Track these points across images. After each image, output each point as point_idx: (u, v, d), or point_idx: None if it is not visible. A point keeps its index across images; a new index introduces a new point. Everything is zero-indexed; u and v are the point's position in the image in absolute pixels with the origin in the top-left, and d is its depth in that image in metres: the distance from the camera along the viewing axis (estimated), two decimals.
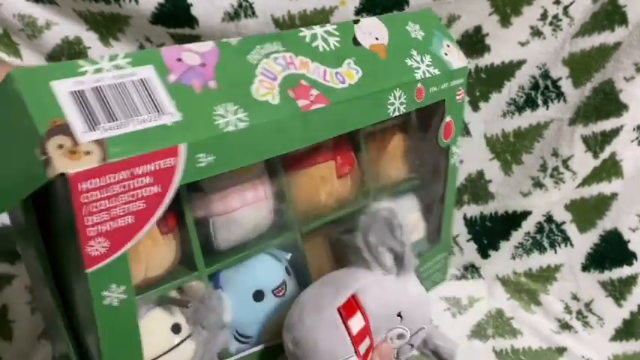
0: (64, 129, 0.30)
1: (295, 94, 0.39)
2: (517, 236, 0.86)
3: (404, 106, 0.49)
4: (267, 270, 0.50)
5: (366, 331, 0.41)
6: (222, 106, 0.37)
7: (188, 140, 0.34)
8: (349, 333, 0.41)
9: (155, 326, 0.41)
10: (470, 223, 0.87)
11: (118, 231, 0.33)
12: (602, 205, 0.82)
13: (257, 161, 0.40)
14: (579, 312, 0.85)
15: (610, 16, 0.74)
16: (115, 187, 0.32)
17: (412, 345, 0.47)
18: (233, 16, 0.69)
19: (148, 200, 0.33)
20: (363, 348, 0.41)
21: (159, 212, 0.34)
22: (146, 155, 0.32)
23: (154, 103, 0.34)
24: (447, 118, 0.57)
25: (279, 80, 0.39)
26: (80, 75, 0.33)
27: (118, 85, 0.34)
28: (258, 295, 0.48)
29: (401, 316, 0.44)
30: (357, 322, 0.41)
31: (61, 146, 0.30)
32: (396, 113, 0.49)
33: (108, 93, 0.33)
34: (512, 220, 0.86)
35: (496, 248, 0.87)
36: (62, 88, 0.32)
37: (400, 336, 0.45)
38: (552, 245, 0.85)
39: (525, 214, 0.85)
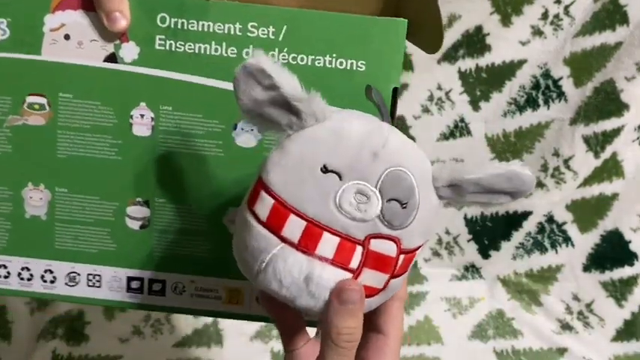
0: None
1: None
2: (518, 236, 0.86)
3: None
4: None
5: (281, 209, 0.31)
6: None
7: None
8: (259, 221, 0.31)
9: None
10: (470, 223, 0.87)
11: None
12: (603, 205, 0.82)
13: None
14: (580, 312, 0.85)
15: (611, 15, 0.74)
16: None
17: (401, 202, 0.31)
18: None
19: None
20: (292, 231, 0.31)
21: None
22: None
23: None
24: None
25: None
26: None
27: None
28: None
29: (334, 172, 0.31)
30: (262, 205, 0.31)
31: None
32: None
33: None
34: (513, 220, 0.85)
35: (497, 248, 0.87)
36: None
37: (359, 193, 0.31)
38: (553, 245, 0.85)
39: (526, 215, 0.85)
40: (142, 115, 0.41)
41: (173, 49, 0.40)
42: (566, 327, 0.84)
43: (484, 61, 0.78)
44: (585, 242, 0.84)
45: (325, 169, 0.31)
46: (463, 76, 0.79)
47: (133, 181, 0.42)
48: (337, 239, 0.31)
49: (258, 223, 0.31)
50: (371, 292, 0.32)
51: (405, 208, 0.31)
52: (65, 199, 0.42)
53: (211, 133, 0.41)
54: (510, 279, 0.88)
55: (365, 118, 0.33)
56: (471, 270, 0.89)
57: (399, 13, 0.42)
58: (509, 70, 0.78)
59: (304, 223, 0.31)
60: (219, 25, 0.40)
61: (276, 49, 0.40)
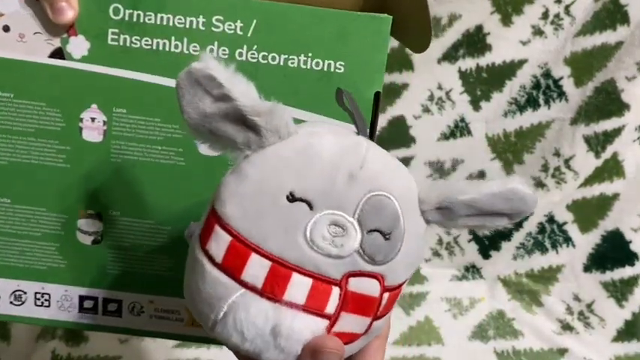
0: None
1: None
2: (518, 237, 0.86)
3: None
4: None
5: (240, 248, 0.26)
6: None
7: None
8: (213, 263, 0.26)
9: None
10: None
11: None
12: (603, 205, 0.82)
13: None
14: (581, 313, 0.85)
15: (612, 15, 0.73)
16: None
17: (384, 233, 0.26)
18: None
19: None
20: (254, 273, 0.26)
21: None
22: None
23: None
24: None
25: None
26: None
27: None
28: None
29: (303, 200, 0.26)
30: (217, 243, 0.26)
31: None
32: None
33: None
34: None
35: (497, 249, 0.87)
36: None
37: (334, 225, 0.26)
38: (554, 246, 0.85)
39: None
40: (93, 119, 0.37)
41: (128, 44, 0.35)
42: (566, 327, 0.84)
43: (484, 60, 0.77)
44: (586, 242, 0.84)
45: (292, 197, 0.26)
46: (463, 75, 0.79)
47: (83, 192, 0.38)
48: (309, 281, 0.26)
49: (213, 266, 0.26)
50: (351, 338, 0.27)
51: (388, 239, 0.26)
52: (8, 211, 0.38)
53: (171, 140, 0.37)
54: (511, 279, 0.88)
55: (338, 133, 0.28)
56: (472, 270, 0.89)
57: (384, 7, 0.37)
58: (509, 69, 0.78)
59: (269, 263, 0.26)
60: (179, 19, 0.35)
61: (245, 47, 0.35)
